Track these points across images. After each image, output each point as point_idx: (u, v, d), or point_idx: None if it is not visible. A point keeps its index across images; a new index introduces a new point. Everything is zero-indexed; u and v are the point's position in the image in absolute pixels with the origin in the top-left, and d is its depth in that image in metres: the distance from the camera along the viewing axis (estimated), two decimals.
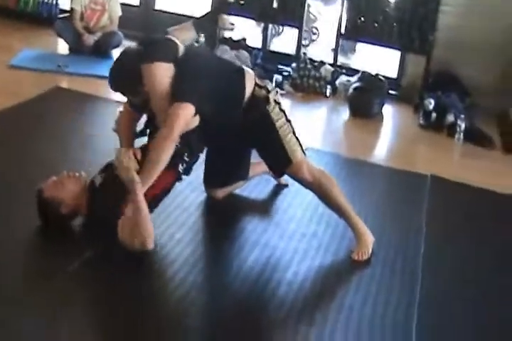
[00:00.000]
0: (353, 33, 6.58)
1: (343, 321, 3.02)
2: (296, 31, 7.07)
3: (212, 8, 6.53)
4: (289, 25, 7.24)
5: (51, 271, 3.18)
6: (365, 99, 5.83)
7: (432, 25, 6.09)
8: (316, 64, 6.44)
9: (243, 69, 3.67)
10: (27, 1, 7.52)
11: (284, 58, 6.93)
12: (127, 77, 3.47)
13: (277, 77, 6.37)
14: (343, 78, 6.34)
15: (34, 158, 4.30)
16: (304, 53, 6.64)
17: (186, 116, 3.31)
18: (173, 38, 3.61)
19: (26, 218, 3.51)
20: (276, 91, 3.68)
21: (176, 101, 3.30)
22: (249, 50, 6.68)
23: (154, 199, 3.49)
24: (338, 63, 6.82)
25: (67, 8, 7.16)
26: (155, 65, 3.38)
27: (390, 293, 3.27)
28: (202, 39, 6.65)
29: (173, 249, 3.43)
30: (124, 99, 3.71)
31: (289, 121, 3.63)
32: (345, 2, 6.45)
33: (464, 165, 5.17)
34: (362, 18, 6.45)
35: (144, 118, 3.72)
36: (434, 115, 5.69)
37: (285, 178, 4.00)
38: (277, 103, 3.62)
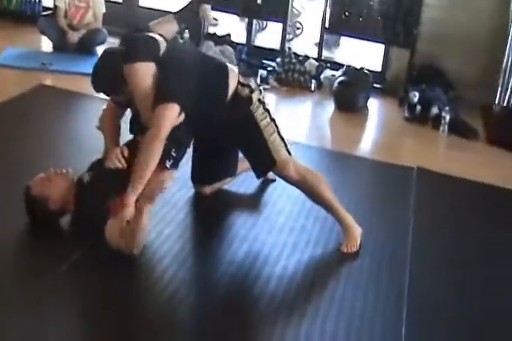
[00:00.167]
0: (337, 27, 6.60)
1: (334, 312, 3.06)
2: (280, 26, 7.07)
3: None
4: (273, 20, 7.24)
5: (40, 270, 3.18)
6: (350, 92, 5.85)
7: (415, 19, 6.11)
8: (300, 58, 6.45)
9: (226, 66, 3.66)
10: None
11: (269, 53, 6.92)
12: (110, 77, 3.46)
13: (262, 72, 6.37)
14: (327, 72, 6.35)
15: (19, 156, 4.28)
16: (289, 48, 6.65)
17: (172, 117, 3.31)
18: (155, 35, 3.60)
19: (13, 217, 3.51)
20: (260, 91, 3.67)
21: (160, 100, 3.30)
22: (234, 45, 6.68)
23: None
24: (323, 57, 6.83)
25: (51, 5, 7.14)
26: (137, 65, 3.36)
27: (380, 283, 3.33)
28: (186, 35, 6.66)
29: (162, 246, 3.44)
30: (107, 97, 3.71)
31: (273, 120, 3.63)
32: None
33: (449, 156, 5.21)
34: (346, 13, 6.45)
35: (129, 114, 3.72)
36: (418, 108, 5.72)
37: (272, 173, 4.01)
38: (261, 102, 3.61)
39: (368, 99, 5.99)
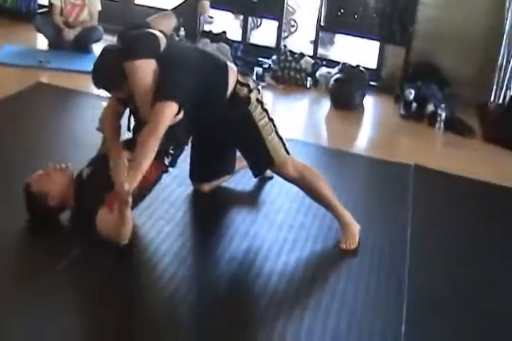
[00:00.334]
0: (332, 25, 6.62)
1: (335, 307, 3.10)
2: (274, 24, 7.09)
3: None
4: (269, 18, 7.25)
5: (40, 267, 3.19)
6: (346, 90, 5.87)
7: (411, 17, 6.14)
8: (296, 56, 6.47)
9: (227, 64, 3.65)
10: None
11: (264, 51, 6.94)
12: (110, 74, 3.45)
13: (258, 70, 6.40)
14: (323, 70, 6.37)
15: (17, 154, 4.30)
16: (284, 45, 6.67)
17: (170, 115, 3.30)
18: (155, 31, 3.61)
19: (13, 214, 3.52)
20: (258, 90, 3.67)
21: (160, 98, 3.30)
22: (230, 43, 6.69)
23: (141, 194, 3.52)
24: (318, 55, 6.84)
25: (46, 3, 7.14)
26: (138, 62, 3.36)
27: (379, 279, 3.36)
28: (182, 33, 6.67)
29: (162, 244, 3.46)
30: (107, 94, 3.71)
31: (271, 120, 3.64)
32: None
33: (445, 154, 5.25)
34: (341, 10, 6.47)
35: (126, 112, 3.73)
36: (414, 105, 5.75)
37: (269, 171, 4.03)
38: (260, 102, 3.62)
39: (363, 96, 6.01)
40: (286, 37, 8.13)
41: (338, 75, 5.98)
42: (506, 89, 5.87)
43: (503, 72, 5.86)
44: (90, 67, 5.88)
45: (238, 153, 3.90)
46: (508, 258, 3.73)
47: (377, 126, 5.85)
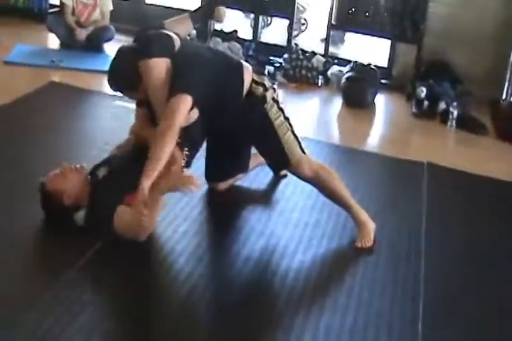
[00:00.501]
0: (343, 24, 6.62)
1: (352, 306, 3.09)
2: (284, 22, 7.10)
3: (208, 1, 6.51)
4: (280, 17, 7.25)
5: (57, 266, 3.21)
6: (359, 88, 5.88)
7: (422, 15, 6.14)
8: (307, 55, 6.48)
9: (241, 63, 3.66)
10: None
11: (275, 49, 6.95)
12: (125, 75, 3.48)
13: (269, 69, 6.41)
14: (334, 68, 6.38)
15: (30, 153, 4.33)
16: (296, 44, 6.67)
17: (185, 109, 3.30)
18: (169, 32, 3.63)
19: (30, 213, 3.54)
20: (274, 90, 3.67)
21: (173, 92, 3.30)
22: (241, 41, 6.71)
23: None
24: (329, 53, 6.84)
25: (58, 2, 7.17)
26: (152, 61, 3.39)
27: (396, 278, 3.36)
28: (194, 31, 6.67)
29: (179, 242, 3.47)
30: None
31: (287, 119, 3.65)
32: None
33: (458, 151, 5.25)
34: (353, 9, 6.47)
35: None
36: (426, 103, 5.76)
37: None
38: (275, 101, 3.63)
39: (375, 94, 6.02)
40: (297, 35, 8.13)
41: (349, 74, 5.99)
42: None
43: None
44: (102, 67, 6.00)
45: (253, 151, 3.92)
46: None
47: (389, 124, 5.85)
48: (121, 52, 3.59)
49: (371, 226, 3.63)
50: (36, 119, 4.93)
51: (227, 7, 6.56)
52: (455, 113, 5.52)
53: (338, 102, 6.01)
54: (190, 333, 2.86)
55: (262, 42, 7.14)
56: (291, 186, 4.14)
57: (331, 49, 7.09)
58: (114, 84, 3.57)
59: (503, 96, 5.93)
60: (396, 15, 6.25)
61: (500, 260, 3.66)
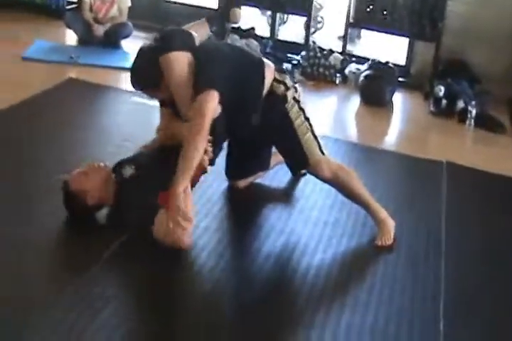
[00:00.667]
0: (361, 21, 6.61)
1: (373, 304, 3.10)
2: (300, 19, 7.09)
3: (225, 2, 6.53)
4: (297, 14, 7.24)
5: (81, 262, 3.23)
6: (377, 86, 5.86)
7: (441, 13, 6.12)
8: (325, 52, 6.47)
9: (263, 61, 3.65)
10: None
11: (293, 47, 6.95)
12: (147, 73, 3.47)
13: (287, 66, 6.40)
14: (352, 66, 6.38)
15: (49, 149, 4.37)
16: (314, 42, 6.67)
17: (213, 105, 3.28)
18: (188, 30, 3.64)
19: (53, 209, 3.55)
20: (295, 89, 3.67)
21: (199, 90, 3.28)
22: (259, 39, 6.71)
23: None
24: (347, 51, 6.84)
25: None
26: (172, 55, 3.37)
27: (416, 277, 3.36)
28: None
29: (200, 238, 3.48)
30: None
31: (307, 119, 3.64)
32: None
33: (476, 150, 5.23)
34: (371, 6, 6.46)
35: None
36: (444, 102, 5.74)
37: None
38: (296, 101, 3.63)
39: (393, 93, 6.01)
40: (313, 33, 8.11)
41: (368, 72, 5.98)
42: None
43: None
44: (120, 63, 6.04)
45: (274, 149, 3.92)
46: None
47: (407, 122, 5.84)
48: (141, 51, 3.59)
49: (391, 224, 3.63)
50: (54, 115, 4.95)
51: (244, 4, 6.63)
52: (473, 112, 5.51)
53: (355, 100, 6.01)
54: (212, 328, 2.88)
55: (279, 40, 7.13)
56: (310, 184, 4.13)
57: (348, 46, 7.08)
58: (136, 84, 3.57)
59: None
60: (414, 13, 6.23)
61: None
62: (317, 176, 3.70)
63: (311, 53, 6.43)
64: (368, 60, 6.29)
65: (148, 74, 3.48)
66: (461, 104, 5.69)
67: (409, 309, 3.10)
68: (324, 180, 3.69)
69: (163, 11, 7.33)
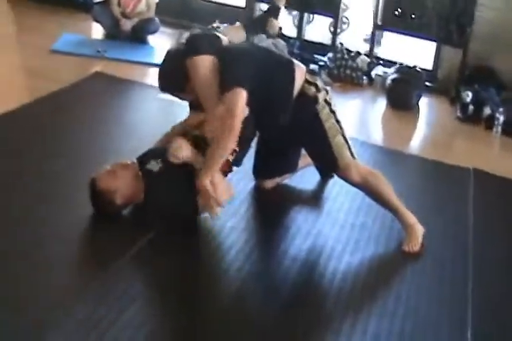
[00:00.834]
0: (389, 25, 6.58)
1: (400, 312, 3.07)
2: (325, 19, 7.06)
3: (263, 12, 6.56)
4: (323, 15, 7.21)
5: (109, 257, 3.23)
6: (404, 90, 5.84)
7: (469, 19, 6.08)
8: (352, 54, 6.45)
9: (292, 62, 3.64)
10: None
11: (319, 48, 6.93)
12: (174, 76, 3.49)
13: (314, 67, 6.38)
14: (379, 69, 6.35)
15: (76, 144, 4.38)
16: (341, 43, 6.64)
17: (242, 102, 3.27)
18: (218, 34, 3.63)
19: (79, 203, 3.54)
20: (327, 91, 3.65)
21: (226, 87, 3.28)
22: (286, 39, 6.68)
23: None
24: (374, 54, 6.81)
25: None
26: (198, 58, 3.38)
27: (443, 286, 3.34)
28: None
29: (227, 237, 3.49)
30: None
31: (338, 121, 3.62)
32: None
33: (503, 158, 5.20)
34: (399, 10, 6.43)
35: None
36: (471, 108, 5.70)
37: None
38: (328, 103, 3.61)
39: (420, 97, 5.98)
40: (339, 33, 8.08)
41: (395, 75, 5.95)
42: None
43: None
44: (146, 58, 6.06)
45: (303, 151, 3.91)
46: None
47: (432, 127, 5.80)
48: (168, 54, 3.60)
49: (419, 230, 3.60)
50: (80, 109, 4.97)
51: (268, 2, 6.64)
52: (501, 119, 5.47)
53: (381, 103, 5.99)
54: (237, 330, 2.86)
55: (305, 40, 7.11)
56: (337, 186, 4.12)
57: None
58: (163, 87, 3.59)
59: None
60: (443, 18, 6.19)
61: None
62: (346, 180, 3.68)
63: (338, 55, 6.41)
64: (395, 63, 6.27)
65: (175, 78, 3.49)
66: (487, 111, 5.65)
67: (436, 318, 3.07)
68: (353, 184, 3.67)
69: (190, 8, 7.32)
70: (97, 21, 6.83)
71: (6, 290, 2.88)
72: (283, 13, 6.63)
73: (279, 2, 6.40)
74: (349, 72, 6.31)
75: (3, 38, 6.26)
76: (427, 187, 4.51)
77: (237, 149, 3.55)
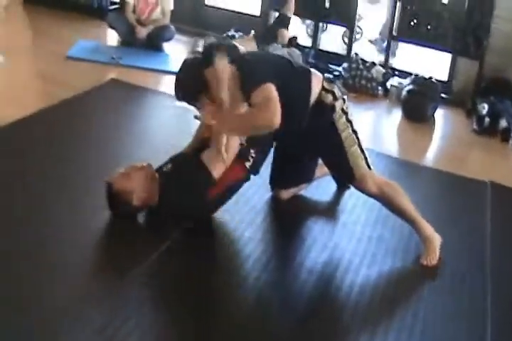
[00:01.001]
0: (405, 35, 6.56)
1: (418, 328, 3.03)
2: (338, 29, 7.05)
3: (273, 23, 6.56)
4: (338, 24, 7.20)
5: (125, 265, 3.23)
6: (420, 102, 5.81)
7: (485, 31, 6.05)
8: (367, 65, 6.43)
9: (309, 70, 3.62)
10: None
11: (333, 57, 6.93)
12: (191, 86, 3.47)
13: (328, 77, 6.34)
14: (394, 80, 6.33)
15: (89, 150, 4.41)
16: (356, 54, 6.61)
17: (275, 94, 3.15)
18: (235, 43, 3.63)
19: (95, 211, 3.57)
20: (344, 100, 3.61)
21: (250, 89, 3.17)
22: (301, 48, 6.67)
23: (222, 196, 3.55)
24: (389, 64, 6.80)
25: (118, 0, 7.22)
26: (218, 67, 3.35)
27: (462, 299, 3.30)
28: None
29: (244, 247, 3.48)
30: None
31: (355, 131, 3.60)
32: (397, 3, 6.43)
33: None
34: (415, 21, 6.42)
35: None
36: (487, 120, 5.66)
37: None
38: (344, 112, 3.57)
39: (436, 109, 5.95)
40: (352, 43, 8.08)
41: (410, 86, 5.92)
42: None
43: None
44: (161, 66, 6.07)
45: (320, 161, 3.88)
46: None
47: (448, 139, 5.76)
48: (185, 63, 3.58)
49: (437, 241, 3.57)
50: (95, 116, 5.00)
51: None
52: None
53: (397, 114, 5.95)
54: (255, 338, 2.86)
55: (320, 50, 7.10)
56: (353, 198, 4.09)
57: (381, 58, 7.02)
58: (180, 96, 3.56)
59: None
60: (459, 29, 6.17)
61: None
62: (362, 191, 3.65)
63: (353, 65, 6.39)
64: (410, 74, 6.24)
65: (194, 87, 3.46)
66: (503, 123, 5.61)
67: (454, 335, 3.03)
68: (369, 195, 3.64)
69: (205, 16, 7.33)
70: (112, 28, 6.83)
71: (8, 290, 2.91)
72: (294, 22, 6.65)
73: (288, 11, 6.41)
74: (364, 83, 6.28)
75: (20, 45, 6.28)
76: (442, 199, 4.47)
77: (254, 156, 3.58)
